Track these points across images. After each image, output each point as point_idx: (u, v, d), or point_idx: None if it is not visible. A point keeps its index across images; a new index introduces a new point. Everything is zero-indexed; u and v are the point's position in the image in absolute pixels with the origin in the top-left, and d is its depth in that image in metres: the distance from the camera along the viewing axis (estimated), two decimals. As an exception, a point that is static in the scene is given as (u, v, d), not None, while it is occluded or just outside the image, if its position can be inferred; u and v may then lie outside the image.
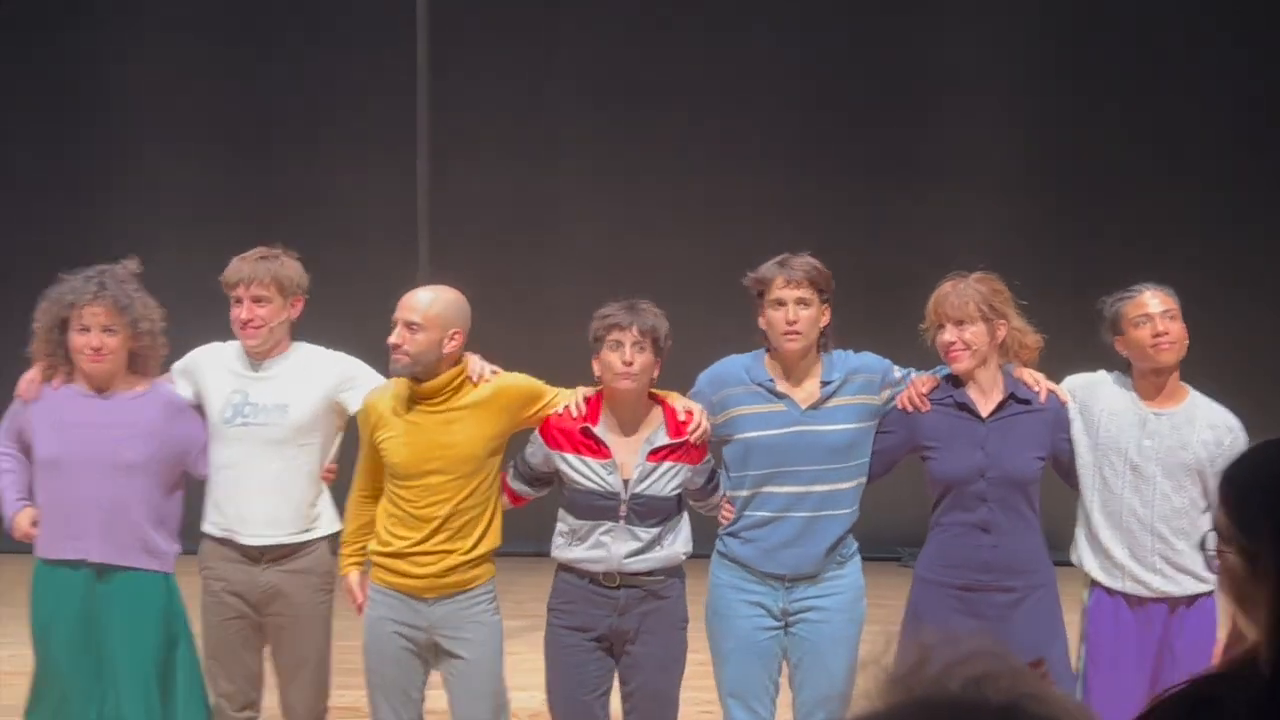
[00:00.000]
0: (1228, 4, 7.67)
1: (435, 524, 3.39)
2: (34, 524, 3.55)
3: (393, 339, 3.36)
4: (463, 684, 3.46)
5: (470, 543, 3.40)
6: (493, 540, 3.47)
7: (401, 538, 3.41)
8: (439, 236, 6.11)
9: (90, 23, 7.87)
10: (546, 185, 7.82)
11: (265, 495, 3.57)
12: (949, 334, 3.40)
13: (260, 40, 7.83)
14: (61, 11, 7.87)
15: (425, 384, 3.39)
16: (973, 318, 3.38)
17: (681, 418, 3.36)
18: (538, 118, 7.82)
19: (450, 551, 3.39)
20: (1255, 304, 7.34)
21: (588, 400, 3.39)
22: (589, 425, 3.36)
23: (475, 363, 3.46)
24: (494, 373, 3.46)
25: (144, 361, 3.57)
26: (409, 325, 3.34)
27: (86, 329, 3.45)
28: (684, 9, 7.78)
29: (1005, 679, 0.63)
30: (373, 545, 3.51)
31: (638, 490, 3.34)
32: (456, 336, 3.39)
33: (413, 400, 3.42)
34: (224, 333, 3.75)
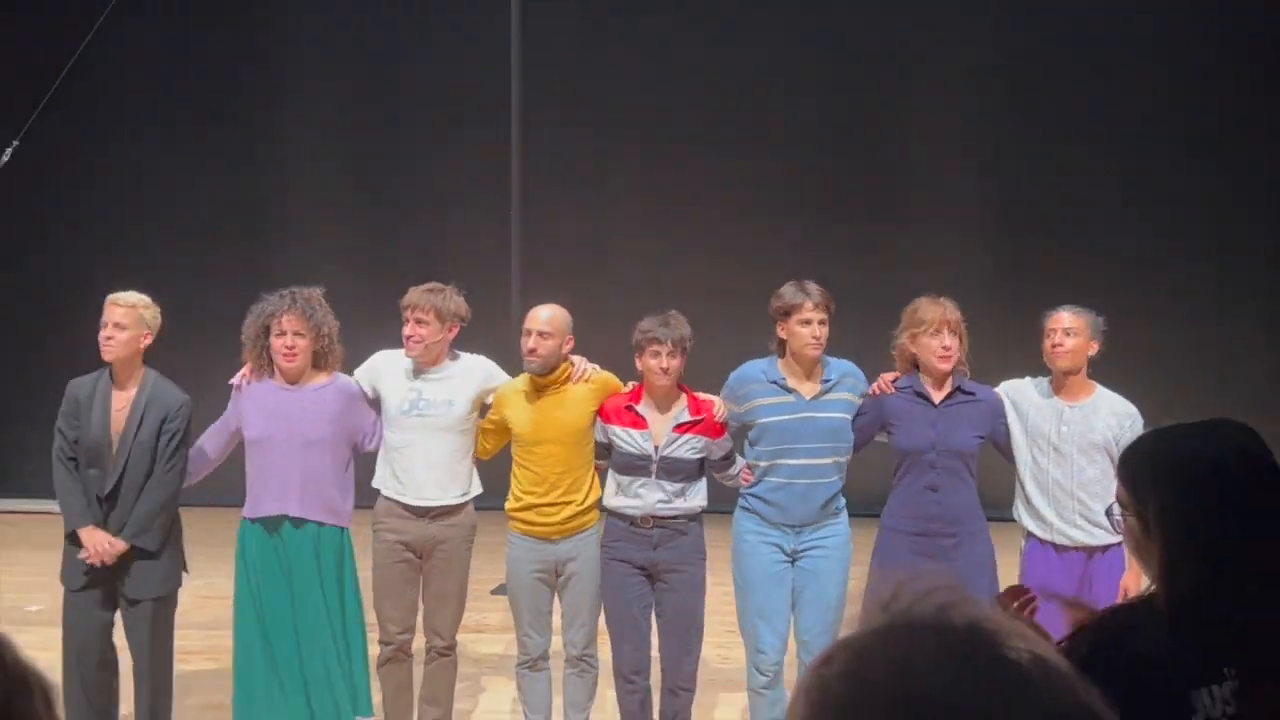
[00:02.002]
0: (1148, 63, 8.20)
1: (553, 481, 3.95)
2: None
3: (530, 345, 3.91)
4: (574, 592, 4.02)
5: (582, 495, 3.98)
6: (596, 492, 4.02)
7: (530, 493, 3.98)
8: (527, 267, 6.83)
9: (262, 102, 8.85)
10: (609, 226, 8.58)
11: (432, 468, 4.04)
12: (947, 339, 3.87)
13: (389, 118, 8.71)
14: (239, 94, 8.83)
15: (547, 377, 3.97)
16: (959, 329, 3.92)
17: (704, 401, 3.94)
18: (601, 174, 8.60)
19: (569, 502, 3.97)
20: (1151, 324, 7.79)
21: (636, 387, 4.00)
22: (632, 404, 3.94)
23: (581, 363, 4.04)
24: (595, 372, 4.03)
25: (324, 360, 4.05)
26: (541, 334, 3.92)
27: (283, 333, 3.95)
28: (711, 101, 8.52)
29: (964, 605, 0.70)
30: (508, 503, 4.05)
31: (665, 454, 3.88)
32: (570, 341, 4.00)
33: (534, 389, 4.01)
34: (367, 347, 4.26)
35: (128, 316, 3.92)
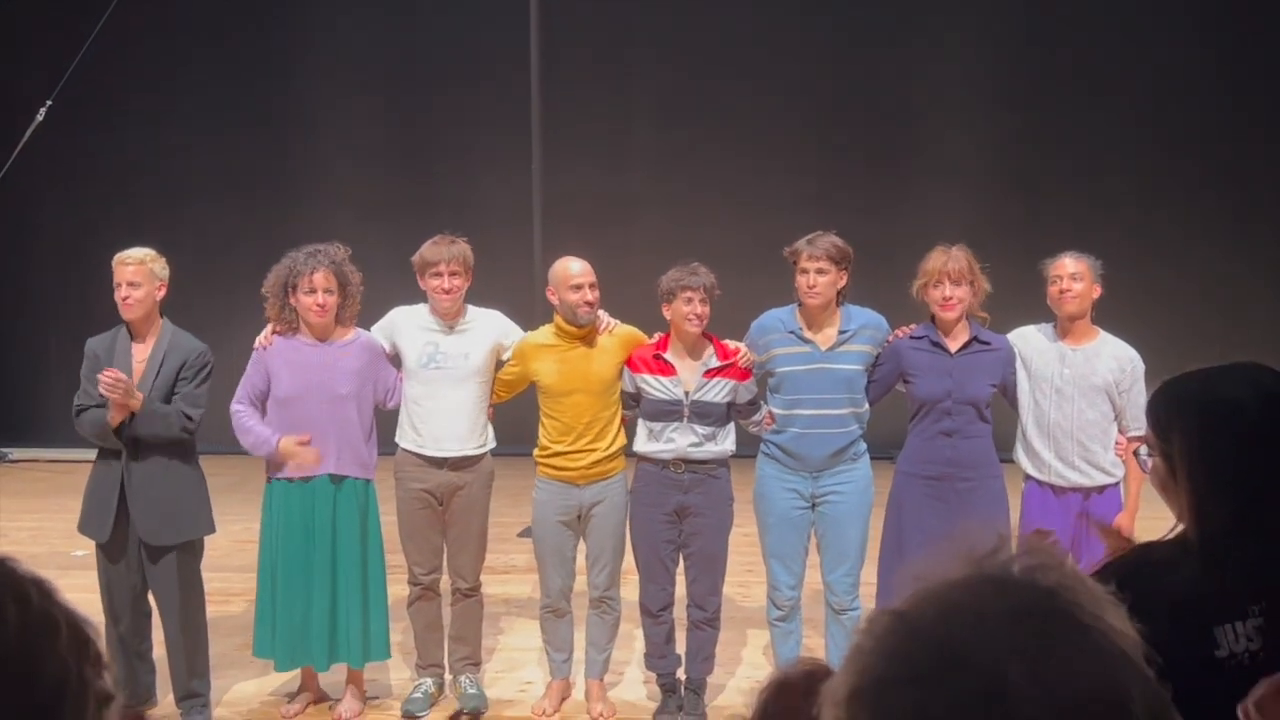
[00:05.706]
0: (1146, 46, 8.38)
1: (580, 430, 3.93)
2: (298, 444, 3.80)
3: (589, 298, 3.87)
4: (598, 535, 4.01)
5: (606, 443, 3.95)
6: (621, 440, 3.97)
7: (558, 441, 3.94)
8: (549, 224, 6.81)
9: (286, 57, 8.92)
10: (627, 185, 8.66)
11: (450, 420, 4.00)
12: (948, 290, 3.78)
13: (411, 72, 8.79)
14: (264, 51, 8.90)
15: (580, 329, 3.92)
16: (965, 278, 3.82)
17: (731, 348, 3.90)
18: (620, 135, 8.66)
19: (594, 450, 3.95)
20: (1159, 269, 8.06)
21: (662, 337, 3.96)
22: (660, 353, 3.90)
23: (605, 316, 4.02)
24: (615, 324, 4.03)
25: (346, 315, 3.99)
26: (591, 286, 3.91)
27: (313, 290, 3.86)
28: (727, 57, 8.57)
29: (1054, 570, 0.70)
30: (536, 451, 4.01)
31: (696, 397, 3.83)
32: None
33: (561, 341, 3.97)
34: (386, 299, 4.17)
35: (139, 273, 3.78)
